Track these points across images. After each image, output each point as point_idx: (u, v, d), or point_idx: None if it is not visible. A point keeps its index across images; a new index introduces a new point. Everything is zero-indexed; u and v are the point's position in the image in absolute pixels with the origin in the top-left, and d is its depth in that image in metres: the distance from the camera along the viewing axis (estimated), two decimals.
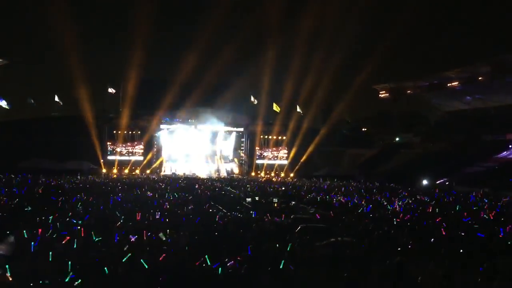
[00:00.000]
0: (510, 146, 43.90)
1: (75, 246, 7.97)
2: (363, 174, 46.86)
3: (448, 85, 50.84)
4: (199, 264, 6.68)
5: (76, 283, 6.11)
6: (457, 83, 49.80)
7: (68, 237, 8.57)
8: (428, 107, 63.07)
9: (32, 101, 57.97)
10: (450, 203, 21.06)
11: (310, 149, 53.16)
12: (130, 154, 50.50)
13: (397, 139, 63.09)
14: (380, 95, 60.53)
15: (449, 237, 10.47)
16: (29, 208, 13.63)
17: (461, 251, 8.75)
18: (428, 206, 18.45)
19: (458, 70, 48.33)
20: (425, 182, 38.81)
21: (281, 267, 6.67)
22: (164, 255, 7.46)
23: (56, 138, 47.13)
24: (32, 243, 7.83)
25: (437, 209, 16.91)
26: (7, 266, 6.10)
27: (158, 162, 51.43)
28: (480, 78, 46.86)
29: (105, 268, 6.41)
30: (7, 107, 51.19)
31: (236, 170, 53.01)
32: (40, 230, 9.35)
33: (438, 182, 39.21)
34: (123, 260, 6.89)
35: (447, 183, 38.42)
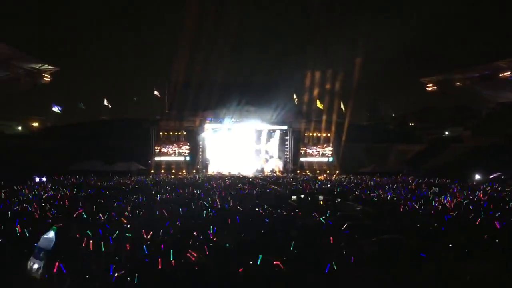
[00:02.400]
0: None
1: (123, 245, 8.15)
2: (411, 170, 45.76)
3: (500, 75, 48.90)
4: (245, 263, 6.68)
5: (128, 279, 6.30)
6: (509, 73, 47.79)
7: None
8: (479, 99, 60.96)
9: (83, 105, 60.33)
10: (505, 198, 20.18)
11: (356, 145, 52.48)
12: (176, 155, 51.38)
13: (446, 133, 61.28)
14: (427, 88, 58.95)
15: (503, 234, 10.03)
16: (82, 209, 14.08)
17: None
18: (481, 202, 17.77)
19: (510, 59, 46.37)
20: (477, 177, 37.44)
21: (327, 268, 6.58)
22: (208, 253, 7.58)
23: (105, 141, 48.72)
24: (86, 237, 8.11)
25: (491, 205, 16.22)
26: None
27: (203, 162, 52.19)
28: None
29: (153, 266, 6.55)
30: (59, 111, 53.41)
31: (281, 168, 52.95)
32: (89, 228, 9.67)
33: (491, 176, 37.75)
34: (170, 259, 7.00)
35: (502, 177, 36.94)
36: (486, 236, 9.71)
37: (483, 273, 6.58)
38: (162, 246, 8.36)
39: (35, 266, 6.21)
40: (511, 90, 52.06)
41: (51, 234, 6.54)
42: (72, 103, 62.07)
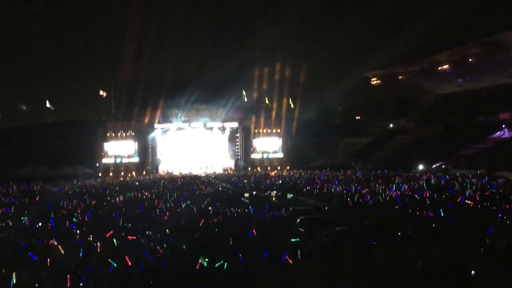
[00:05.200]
0: (503, 126, 44.08)
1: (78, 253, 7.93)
2: (359, 163, 47.02)
3: (439, 68, 50.89)
4: (200, 263, 6.67)
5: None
6: (447, 66, 49.83)
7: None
8: (420, 92, 63.27)
9: (24, 107, 57.88)
10: (446, 187, 21.15)
11: (305, 140, 53.28)
12: (125, 157, 50.16)
13: (391, 125, 63.26)
14: (372, 82, 60.47)
15: (446, 220, 10.54)
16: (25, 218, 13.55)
17: (460, 233, 8.81)
18: (424, 191, 18.53)
19: (448, 53, 48.38)
20: (421, 167, 39.00)
21: (282, 260, 6.72)
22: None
23: (49, 144, 47.00)
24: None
25: (435, 194, 16.96)
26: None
27: (153, 163, 51.33)
28: (470, 60, 46.95)
29: (106, 270, 6.44)
30: None
31: (232, 166, 52.93)
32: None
33: (434, 166, 39.39)
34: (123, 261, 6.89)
35: (443, 166, 38.60)
36: (430, 224, 10.20)
37: (431, 257, 6.88)
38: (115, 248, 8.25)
39: None
40: (449, 82, 54.35)
41: None
42: (13, 106, 59.24)
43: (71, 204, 17.38)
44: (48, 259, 7.45)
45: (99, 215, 13.84)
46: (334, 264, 6.77)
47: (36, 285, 6.25)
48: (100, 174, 46.43)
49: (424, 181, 23.84)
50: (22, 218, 13.33)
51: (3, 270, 6.48)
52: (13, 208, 16.76)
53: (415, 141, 50.19)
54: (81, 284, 6.20)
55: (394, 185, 22.18)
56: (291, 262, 6.80)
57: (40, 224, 11.88)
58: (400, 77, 57.77)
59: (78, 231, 10.48)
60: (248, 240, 8.55)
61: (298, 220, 11.73)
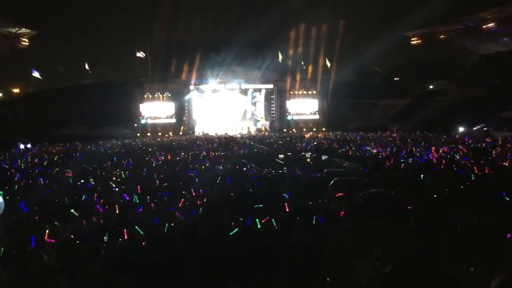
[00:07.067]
0: None
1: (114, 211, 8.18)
2: (396, 125, 46.17)
3: (484, 27, 48.64)
4: (234, 221, 6.77)
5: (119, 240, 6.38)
6: (493, 24, 47.56)
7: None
8: (463, 52, 60.89)
9: (63, 69, 59.10)
10: (487, 149, 20.56)
11: (342, 102, 52.51)
12: (162, 117, 50.84)
13: (431, 86, 61.42)
14: (411, 42, 58.51)
15: (487, 183, 10.29)
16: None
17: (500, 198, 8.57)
18: (464, 154, 18.09)
19: (494, 10, 46.06)
20: (461, 129, 37.96)
21: (313, 222, 6.72)
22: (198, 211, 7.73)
23: (89, 105, 48.08)
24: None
25: (474, 157, 16.52)
26: None
27: (189, 124, 51.86)
28: None
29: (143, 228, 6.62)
30: (40, 77, 52.25)
31: (267, 128, 52.93)
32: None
33: (475, 128, 38.28)
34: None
35: (484, 129, 37.47)
36: (466, 186, 9.98)
37: (469, 221, 6.76)
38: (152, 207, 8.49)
39: None
40: (494, 41, 52.06)
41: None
42: (53, 68, 60.61)
43: (111, 163, 17.89)
44: (90, 216, 7.75)
45: (138, 174, 14.18)
46: (368, 226, 6.74)
47: (77, 241, 6.48)
48: (138, 135, 47.39)
49: (464, 144, 23.27)
50: (65, 175, 13.86)
51: (47, 226, 6.74)
52: (55, 166, 17.39)
53: (456, 103, 48.73)
54: (119, 240, 6.40)
55: (432, 147, 21.73)
56: (322, 222, 6.80)
57: (82, 181, 12.30)
58: (441, 36, 55.70)
59: (117, 190, 10.81)
60: (281, 201, 8.58)
61: (332, 181, 11.70)
